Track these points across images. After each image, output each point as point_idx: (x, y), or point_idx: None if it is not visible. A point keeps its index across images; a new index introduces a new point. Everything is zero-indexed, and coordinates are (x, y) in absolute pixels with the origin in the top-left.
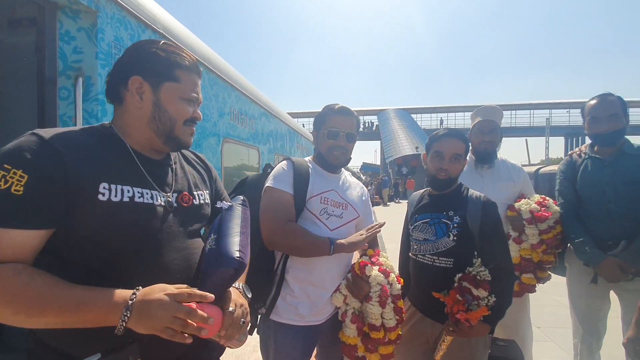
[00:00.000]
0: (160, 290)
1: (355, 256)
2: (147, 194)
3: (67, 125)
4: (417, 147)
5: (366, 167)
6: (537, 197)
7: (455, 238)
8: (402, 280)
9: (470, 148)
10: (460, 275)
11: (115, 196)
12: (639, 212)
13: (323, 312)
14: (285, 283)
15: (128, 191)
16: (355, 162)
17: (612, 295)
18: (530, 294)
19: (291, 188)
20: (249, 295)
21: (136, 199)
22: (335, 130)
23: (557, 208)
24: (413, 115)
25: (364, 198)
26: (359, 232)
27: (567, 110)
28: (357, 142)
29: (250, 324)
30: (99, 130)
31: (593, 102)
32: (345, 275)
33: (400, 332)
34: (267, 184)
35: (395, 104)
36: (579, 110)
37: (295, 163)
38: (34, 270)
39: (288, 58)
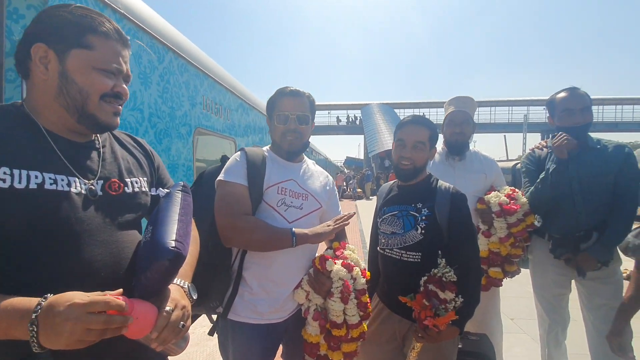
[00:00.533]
0: (66, 301)
1: (321, 249)
2: (62, 180)
3: None
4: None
5: (350, 161)
6: (507, 189)
7: (423, 231)
8: (368, 274)
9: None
10: (425, 277)
11: (20, 183)
12: (605, 204)
13: (284, 309)
14: (242, 280)
15: (36, 177)
16: (340, 156)
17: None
18: (502, 286)
19: (245, 179)
20: (194, 297)
21: (47, 186)
22: (285, 113)
23: (525, 200)
24: (396, 110)
25: (327, 188)
26: (325, 222)
27: (544, 107)
28: (340, 136)
29: (204, 326)
30: (8, 109)
31: (564, 94)
32: (307, 270)
33: (364, 329)
34: (218, 178)
35: (379, 98)
36: None
37: (249, 153)
38: None
39: (272, 51)
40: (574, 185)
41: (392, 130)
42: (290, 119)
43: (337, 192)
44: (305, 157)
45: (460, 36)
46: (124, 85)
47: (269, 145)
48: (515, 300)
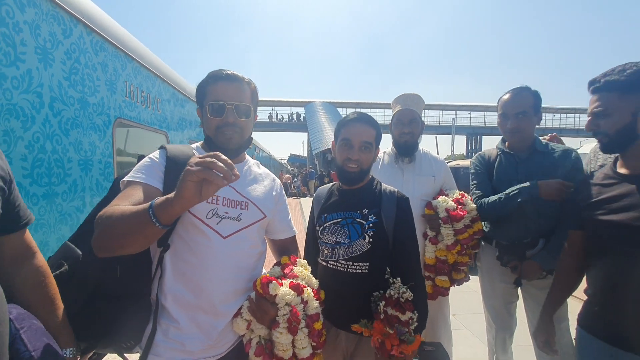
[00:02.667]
0: None
1: (268, 266)
2: None
3: None
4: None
5: (293, 159)
6: (456, 193)
7: (371, 240)
8: (322, 294)
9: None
10: (380, 300)
11: None
12: (554, 210)
13: (221, 344)
14: (165, 312)
15: None
16: (283, 154)
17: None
18: (446, 297)
19: (159, 182)
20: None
21: None
22: (221, 103)
23: (473, 205)
24: (339, 109)
25: (274, 193)
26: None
27: (469, 112)
28: (285, 132)
29: None
30: None
31: (506, 97)
32: (248, 294)
33: None
34: (123, 178)
35: (321, 96)
36: (479, 112)
37: (170, 151)
38: None
39: (210, 38)
40: None
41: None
42: (228, 110)
43: (285, 198)
44: (248, 157)
45: (397, 42)
46: None
47: (201, 142)
48: (455, 295)
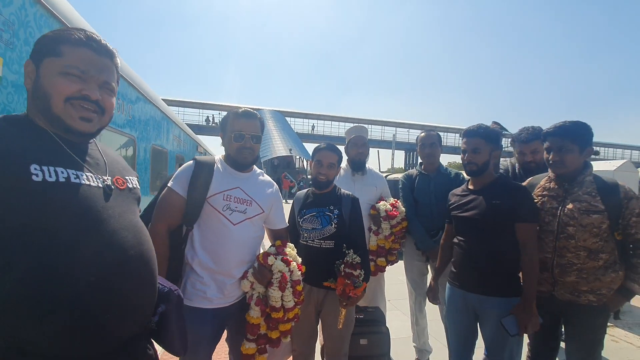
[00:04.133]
0: None
1: (265, 246)
2: (81, 175)
3: None
4: (290, 149)
5: None
6: (391, 199)
7: (335, 226)
8: (303, 268)
9: (347, 158)
10: (341, 264)
11: (50, 176)
12: (444, 215)
13: (230, 296)
14: (193, 271)
15: (62, 172)
16: None
17: None
18: (383, 273)
19: (184, 190)
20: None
21: (72, 180)
22: (242, 133)
23: (403, 209)
24: (287, 119)
25: (272, 196)
26: None
27: (408, 129)
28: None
29: None
30: (18, 118)
31: (422, 135)
32: (250, 263)
33: (298, 312)
34: (169, 182)
35: (270, 105)
36: (417, 130)
37: (198, 163)
38: None
39: (159, 39)
40: (432, 198)
41: (284, 137)
42: (246, 138)
43: (281, 199)
44: (255, 168)
45: (344, 59)
46: (97, 91)
47: (222, 155)
48: (390, 287)
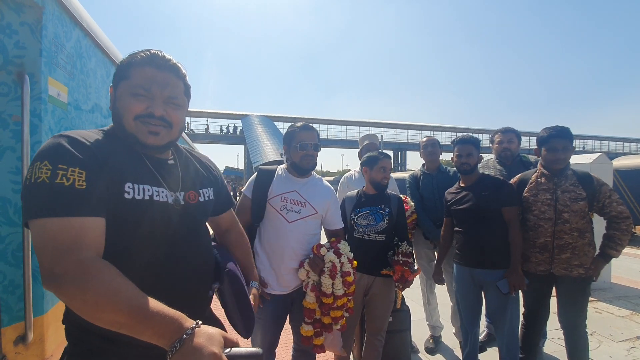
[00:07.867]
0: (216, 343)
1: (323, 241)
2: (162, 192)
3: (6, 123)
4: (282, 153)
5: (229, 171)
6: (402, 196)
7: (387, 222)
8: (355, 262)
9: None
10: (395, 255)
11: (139, 194)
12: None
13: (287, 285)
14: (259, 258)
15: (147, 190)
16: (219, 166)
17: None
18: None
19: (250, 193)
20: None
21: (155, 198)
22: (306, 143)
23: (412, 203)
24: (276, 123)
25: (328, 199)
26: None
27: (395, 129)
28: (219, 145)
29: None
30: (110, 132)
31: (424, 139)
32: (305, 256)
33: (346, 301)
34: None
35: (257, 110)
36: (403, 130)
37: (261, 170)
38: (113, 267)
39: (136, 43)
40: (435, 193)
41: (274, 141)
42: (309, 147)
43: (338, 202)
44: (314, 174)
45: (329, 60)
46: (161, 108)
47: (285, 165)
48: None
